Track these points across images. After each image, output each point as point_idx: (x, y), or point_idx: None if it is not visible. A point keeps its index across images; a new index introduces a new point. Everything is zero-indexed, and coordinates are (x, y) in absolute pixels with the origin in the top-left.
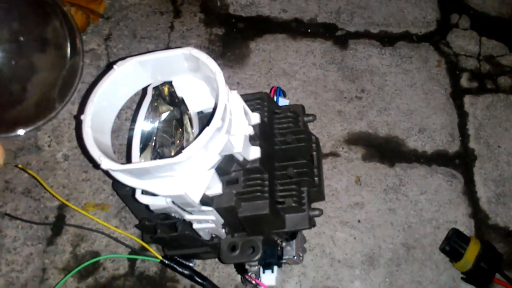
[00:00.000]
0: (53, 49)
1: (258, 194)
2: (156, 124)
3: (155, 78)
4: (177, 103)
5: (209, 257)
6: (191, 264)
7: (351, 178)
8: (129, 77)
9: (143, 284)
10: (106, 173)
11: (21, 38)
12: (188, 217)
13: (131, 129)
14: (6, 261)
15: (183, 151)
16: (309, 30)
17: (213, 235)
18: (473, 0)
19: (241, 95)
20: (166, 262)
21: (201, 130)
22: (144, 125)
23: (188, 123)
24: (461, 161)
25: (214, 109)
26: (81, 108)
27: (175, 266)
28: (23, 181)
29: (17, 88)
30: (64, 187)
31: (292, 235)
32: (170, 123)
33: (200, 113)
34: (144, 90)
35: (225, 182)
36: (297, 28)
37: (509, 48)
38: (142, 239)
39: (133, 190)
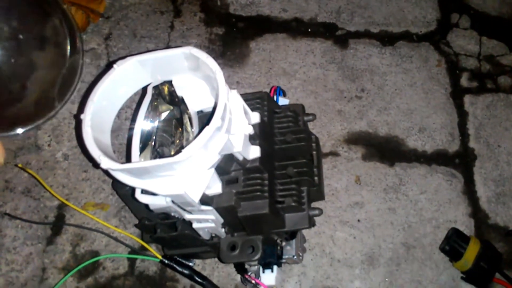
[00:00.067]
0: (52, 47)
1: (258, 193)
2: (156, 123)
3: (155, 77)
4: (177, 102)
5: (208, 257)
6: (190, 264)
7: (351, 177)
8: (129, 76)
9: (143, 283)
10: (106, 172)
11: (21, 36)
12: (187, 216)
13: (131, 129)
14: (6, 261)
15: (183, 151)
16: (309, 30)
17: (213, 235)
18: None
19: (241, 95)
20: (166, 261)
21: (201, 130)
22: (144, 124)
23: (188, 123)
24: (461, 161)
25: (214, 108)
26: (81, 108)
27: (174, 265)
28: (22, 180)
29: (16, 86)
30: (64, 187)
31: (291, 235)
32: (170, 122)
33: (200, 113)
34: (144, 90)
35: (225, 182)
36: (297, 28)
37: (509, 47)
38: (142, 239)
39: (132, 189)
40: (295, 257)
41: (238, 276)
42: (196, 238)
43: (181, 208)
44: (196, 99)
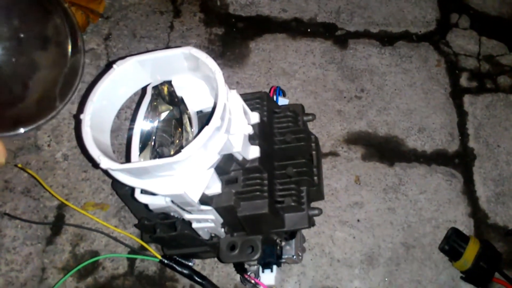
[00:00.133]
0: (54, 46)
1: (257, 193)
2: (156, 123)
3: (155, 77)
4: (177, 102)
5: (208, 257)
6: (190, 264)
7: (350, 177)
8: (128, 76)
9: (143, 283)
10: (106, 172)
11: (22, 35)
12: (187, 216)
13: (131, 129)
14: (6, 261)
15: (183, 151)
16: (309, 30)
17: (213, 235)
18: None
19: (241, 95)
20: (166, 261)
21: (200, 130)
22: (143, 124)
23: (188, 123)
24: (460, 161)
25: (214, 108)
26: (81, 108)
27: (174, 265)
28: (22, 180)
29: (18, 86)
30: (64, 187)
31: (291, 235)
32: (169, 122)
33: (199, 113)
34: (144, 90)
35: (225, 182)
36: (296, 28)
37: (508, 47)
38: (142, 239)
39: (132, 189)
40: (294, 257)
41: (238, 276)
42: (195, 238)
43: (181, 208)
44: (195, 99)
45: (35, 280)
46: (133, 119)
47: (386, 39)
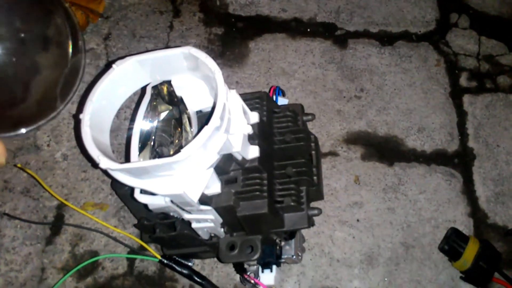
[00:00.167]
0: (55, 47)
1: (257, 193)
2: (155, 123)
3: (154, 77)
4: (176, 102)
5: (208, 257)
6: (190, 264)
7: (350, 177)
8: (128, 76)
9: (142, 283)
10: (105, 172)
11: (23, 35)
12: (187, 216)
13: (130, 129)
14: (5, 261)
15: (182, 150)
16: (308, 30)
17: (212, 235)
18: None
19: (240, 94)
20: (165, 261)
21: (200, 129)
22: (143, 124)
23: (187, 122)
24: (460, 160)
25: (213, 108)
26: (80, 107)
27: (174, 265)
28: (22, 180)
29: (19, 87)
30: (63, 187)
31: (291, 235)
32: (169, 122)
33: (199, 112)
34: (143, 89)
35: (224, 181)
36: (296, 28)
37: (508, 47)
38: (141, 239)
39: (132, 189)
40: (294, 257)
41: (237, 276)
42: (195, 238)
43: (180, 208)
44: (195, 99)
45: (34, 280)
46: (132, 119)
47: (386, 39)
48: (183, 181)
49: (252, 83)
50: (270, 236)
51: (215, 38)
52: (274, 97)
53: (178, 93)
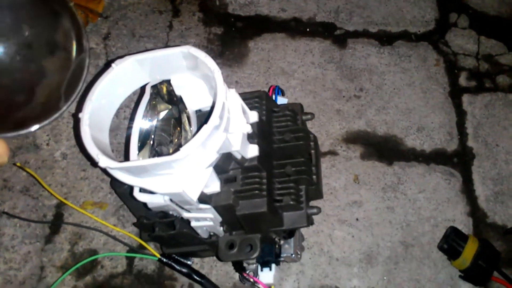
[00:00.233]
0: (61, 47)
1: (256, 192)
2: (154, 122)
3: (154, 76)
4: (176, 101)
5: (207, 255)
6: (189, 262)
7: (349, 176)
8: (127, 75)
9: (141, 282)
10: (104, 171)
11: (30, 40)
12: (186, 215)
13: (129, 128)
14: (4, 259)
15: (181, 149)
16: (308, 29)
17: (211, 233)
18: None
19: (240, 94)
20: (164, 260)
21: (199, 128)
22: (142, 123)
23: (186, 122)
24: (459, 160)
25: (212, 107)
26: (79, 106)
27: (173, 264)
28: (21, 179)
29: (25, 90)
30: (62, 186)
31: (290, 233)
32: (168, 121)
33: (198, 112)
34: (143, 89)
35: (223, 180)
36: (296, 27)
37: (507, 47)
38: (140, 237)
39: (131, 188)
40: (293, 255)
41: (237, 275)
42: (194, 237)
43: (180, 206)
44: (194, 98)
45: (33, 278)
46: (132, 118)
47: (385, 38)
48: (182, 180)
49: (252, 83)
50: (269, 235)
51: (214, 37)
52: (274, 97)
53: (178, 92)
